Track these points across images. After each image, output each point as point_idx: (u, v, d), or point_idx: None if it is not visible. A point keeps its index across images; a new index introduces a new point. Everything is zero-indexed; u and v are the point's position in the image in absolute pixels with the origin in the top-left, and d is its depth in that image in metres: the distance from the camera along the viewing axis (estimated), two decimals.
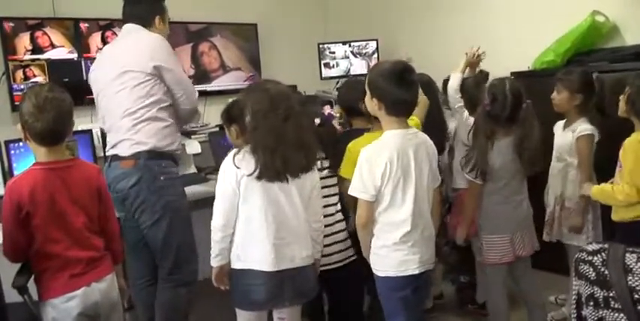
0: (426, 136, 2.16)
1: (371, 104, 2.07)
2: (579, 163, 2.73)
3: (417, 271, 2.06)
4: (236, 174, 2.01)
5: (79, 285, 1.95)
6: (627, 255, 1.29)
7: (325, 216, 2.31)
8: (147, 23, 2.62)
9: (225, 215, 2.05)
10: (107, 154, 2.62)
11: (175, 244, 2.59)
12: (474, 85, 3.00)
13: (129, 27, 2.64)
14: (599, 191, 2.49)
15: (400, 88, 1.99)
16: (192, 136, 3.52)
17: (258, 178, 1.99)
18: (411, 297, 2.09)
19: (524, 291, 2.76)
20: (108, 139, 2.63)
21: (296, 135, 2.02)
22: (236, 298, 2.15)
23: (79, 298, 1.94)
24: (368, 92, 2.07)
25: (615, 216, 2.47)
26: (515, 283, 2.77)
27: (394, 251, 2.06)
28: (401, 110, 2.04)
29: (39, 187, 1.89)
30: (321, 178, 2.49)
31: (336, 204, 2.46)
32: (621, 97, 2.44)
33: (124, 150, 2.52)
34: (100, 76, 2.63)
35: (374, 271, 2.12)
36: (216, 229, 2.08)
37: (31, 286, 1.99)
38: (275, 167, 1.99)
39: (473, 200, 2.63)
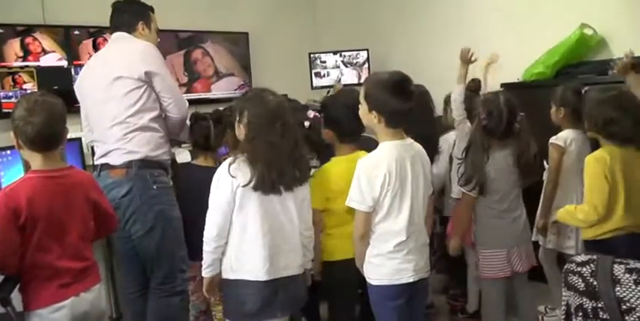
0: (420, 147, 2.16)
1: (369, 117, 2.04)
2: (547, 169, 2.85)
3: (411, 280, 2.06)
4: (232, 183, 2.00)
5: (68, 295, 1.91)
6: (615, 266, 1.30)
7: None
8: (131, 29, 2.63)
9: (219, 225, 2.04)
10: (96, 163, 2.60)
11: (168, 253, 2.57)
12: (468, 93, 3.04)
13: (117, 35, 2.65)
14: (563, 213, 2.45)
15: (399, 99, 1.98)
16: (183, 145, 3.51)
17: (254, 189, 1.99)
18: (405, 306, 2.09)
19: (519, 304, 2.74)
20: (97, 149, 2.61)
21: (291, 149, 2.03)
22: (229, 309, 2.14)
23: (68, 308, 1.90)
24: (365, 105, 2.04)
25: (582, 235, 2.47)
26: (510, 296, 2.74)
27: (389, 260, 2.06)
28: (400, 121, 2.04)
29: (37, 195, 1.86)
30: None
31: None
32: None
33: (115, 159, 2.50)
34: (88, 85, 2.62)
35: (368, 279, 2.12)
36: (209, 240, 2.06)
37: (15, 296, 1.94)
38: (271, 180, 1.99)
39: (467, 212, 2.62)
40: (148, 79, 2.50)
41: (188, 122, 2.77)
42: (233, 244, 2.07)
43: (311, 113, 2.83)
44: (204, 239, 2.07)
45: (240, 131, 2.05)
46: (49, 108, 1.89)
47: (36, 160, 1.92)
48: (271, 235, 2.05)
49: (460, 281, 3.35)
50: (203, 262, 2.09)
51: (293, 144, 2.04)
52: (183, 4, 3.93)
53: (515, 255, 2.56)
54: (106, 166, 2.53)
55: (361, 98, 2.06)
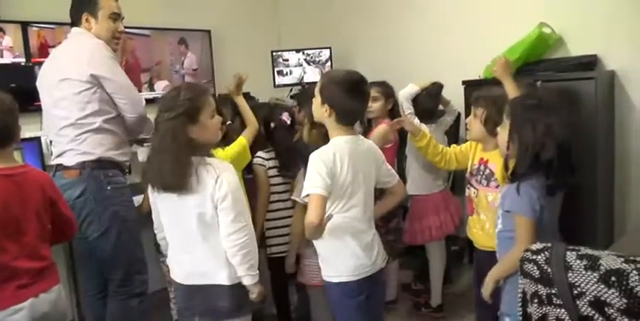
0: (371, 142, 2.19)
1: (320, 110, 2.05)
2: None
3: (369, 274, 2.07)
4: None
5: (27, 296, 1.87)
6: (568, 253, 1.34)
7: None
8: (78, 23, 2.56)
9: None
10: (52, 163, 2.56)
11: (125, 254, 2.53)
12: (428, 97, 3.11)
13: (72, 31, 2.59)
14: None
15: (353, 98, 2.01)
16: (145, 144, 3.46)
17: None
18: (365, 302, 2.08)
19: None
20: (54, 149, 2.57)
21: None
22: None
23: (27, 310, 1.86)
24: (319, 98, 2.05)
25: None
26: None
27: (348, 256, 2.06)
28: (350, 119, 2.06)
29: None
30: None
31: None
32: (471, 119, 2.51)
33: (69, 159, 2.46)
34: (44, 83, 2.57)
35: (326, 278, 2.11)
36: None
37: None
38: None
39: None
40: (96, 82, 2.43)
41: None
42: None
43: (283, 116, 2.88)
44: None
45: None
46: None
47: None
48: None
49: (423, 277, 3.39)
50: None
51: None
52: (145, 1, 3.88)
53: None
54: (60, 167, 2.49)
55: (316, 91, 2.07)
